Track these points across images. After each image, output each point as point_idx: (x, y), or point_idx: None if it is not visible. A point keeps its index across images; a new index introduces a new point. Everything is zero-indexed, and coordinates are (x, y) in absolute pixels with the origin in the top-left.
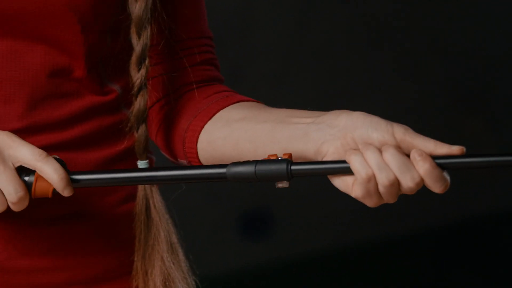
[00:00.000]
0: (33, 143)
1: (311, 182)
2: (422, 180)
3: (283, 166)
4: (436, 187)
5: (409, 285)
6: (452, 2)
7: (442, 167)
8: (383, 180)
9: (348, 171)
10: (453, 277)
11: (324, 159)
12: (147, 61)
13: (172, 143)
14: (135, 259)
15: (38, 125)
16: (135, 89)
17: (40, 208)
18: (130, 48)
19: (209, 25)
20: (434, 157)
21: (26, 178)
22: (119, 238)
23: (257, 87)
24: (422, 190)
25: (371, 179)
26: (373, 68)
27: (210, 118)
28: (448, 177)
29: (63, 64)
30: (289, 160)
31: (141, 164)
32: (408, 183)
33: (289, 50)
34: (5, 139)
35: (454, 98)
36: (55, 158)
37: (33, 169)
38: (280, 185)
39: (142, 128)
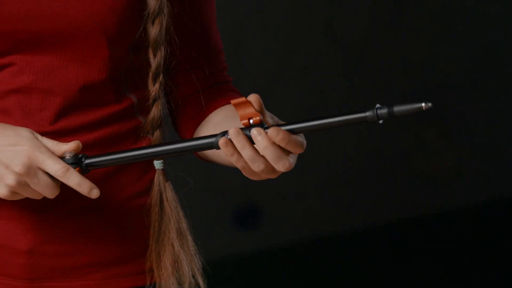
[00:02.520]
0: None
1: (295, 181)
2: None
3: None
4: (296, 150)
5: (377, 270)
6: (410, 27)
7: (292, 132)
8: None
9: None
10: (410, 266)
11: None
12: (161, 77)
13: None
14: (150, 243)
15: (67, 130)
16: (151, 100)
17: (65, 202)
18: (147, 65)
19: None
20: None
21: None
22: (131, 228)
23: None
24: (396, 187)
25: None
26: (346, 86)
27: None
28: (302, 140)
29: (92, 78)
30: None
31: (157, 163)
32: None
33: (275, 71)
34: (31, 155)
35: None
36: (75, 156)
37: None
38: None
39: (157, 133)
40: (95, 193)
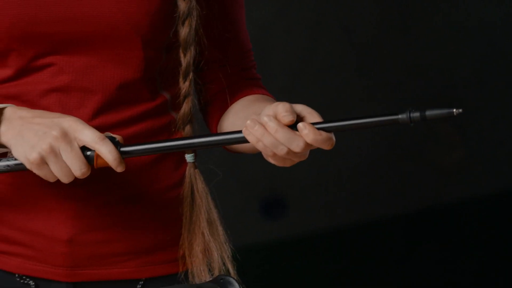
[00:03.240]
0: None
1: (315, 173)
2: (307, 145)
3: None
4: (325, 147)
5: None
6: (420, 28)
7: (325, 130)
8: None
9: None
10: (422, 254)
11: None
12: (191, 75)
13: None
14: (182, 232)
15: (105, 126)
16: (181, 97)
17: (103, 193)
18: (178, 64)
19: None
20: (314, 124)
21: (89, 153)
22: (165, 218)
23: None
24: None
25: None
26: (364, 84)
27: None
28: (332, 136)
29: (128, 77)
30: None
31: (188, 157)
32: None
33: (298, 70)
34: (73, 124)
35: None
36: (112, 137)
37: (93, 149)
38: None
39: (188, 128)
40: (121, 167)
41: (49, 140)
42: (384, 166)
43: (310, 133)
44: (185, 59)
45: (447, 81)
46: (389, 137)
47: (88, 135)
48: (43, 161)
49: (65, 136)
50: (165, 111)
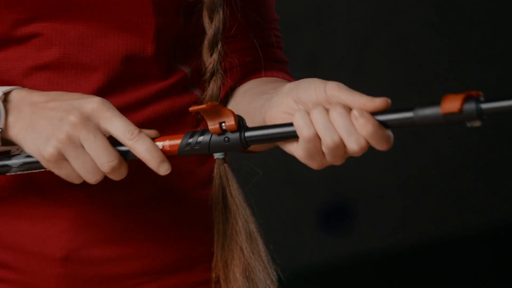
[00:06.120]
0: None
1: (388, 177)
2: (367, 143)
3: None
4: (380, 147)
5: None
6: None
7: (385, 125)
8: (327, 142)
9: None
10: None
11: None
12: (219, 46)
13: None
14: (215, 250)
15: None
16: (207, 74)
17: (113, 193)
18: (202, 31)
19: (287, 13)
20: (375, 114)
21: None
22: (194, 225)
23: (333, 74)
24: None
25: (312, 140)
26: (436, 58)
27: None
28: (391, 134)
29: (136, 47)
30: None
31: (217, 154)
32: (353, 146)
33: (364, 39)
34: (97, 107)
35: (494, 92)
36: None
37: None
38: (473, 124)
39: None
40: (165, 168)
41: (66, 128)
42: (465, 175)
43: (369, 124)
44: (212, 25)
45: None
46: (470, 142)
47: (119, 127)
48: (61, 156)
49: (87, 121)
50: (184, 89)
